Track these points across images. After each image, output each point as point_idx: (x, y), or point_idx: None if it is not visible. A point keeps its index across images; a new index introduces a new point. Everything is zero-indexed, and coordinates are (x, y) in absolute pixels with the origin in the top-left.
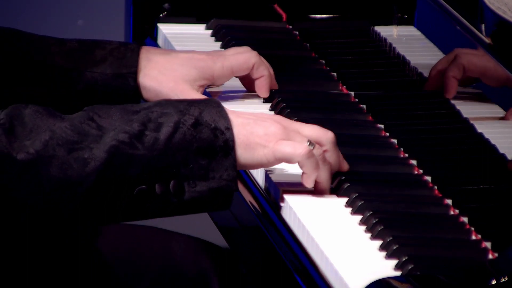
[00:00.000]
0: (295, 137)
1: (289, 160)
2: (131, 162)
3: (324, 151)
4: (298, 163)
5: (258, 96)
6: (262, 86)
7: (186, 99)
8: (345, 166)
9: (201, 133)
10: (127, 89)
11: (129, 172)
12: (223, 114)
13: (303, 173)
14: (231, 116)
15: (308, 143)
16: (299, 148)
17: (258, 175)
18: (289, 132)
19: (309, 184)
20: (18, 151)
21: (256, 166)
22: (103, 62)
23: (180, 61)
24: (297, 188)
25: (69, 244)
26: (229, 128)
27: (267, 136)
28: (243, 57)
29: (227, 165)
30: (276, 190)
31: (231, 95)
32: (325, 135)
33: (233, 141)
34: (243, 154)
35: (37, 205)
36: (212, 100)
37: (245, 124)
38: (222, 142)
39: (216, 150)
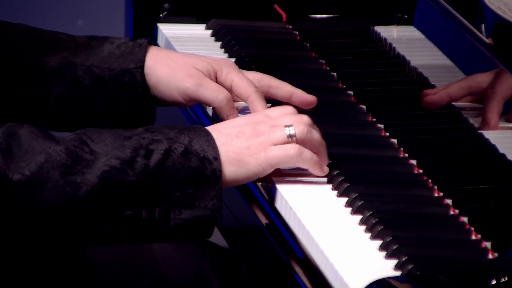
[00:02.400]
0: (275, 133)
1: (285, 164)
2: (121, 188)
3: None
4: (296, 164)
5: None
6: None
7: (175, 126)
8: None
9: (190, 161)
10: (135, 85)
11: (119, 197)
12: (212, 144)
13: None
14: (215, 135)
15: (287, 128)
16: (290, 149)
17: None
18: (269, 134)
19: (319, 172)
20: (14, 172)
21: (253, 178)
22: (110, 56)
23: (188, 56)
24: (297, 188)
25: (67, 246)
26: (217, 158)
27: (253, 148)
28: (258, 74)
29: (212, 195)
30: (276, 189)
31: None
32: (299, 117)
33: (220, 171)
34: (238, 170)
35: (28, 225)
36: (201, 128)
37: (229, 141)
38: (209, 171)
39: (203, 179)
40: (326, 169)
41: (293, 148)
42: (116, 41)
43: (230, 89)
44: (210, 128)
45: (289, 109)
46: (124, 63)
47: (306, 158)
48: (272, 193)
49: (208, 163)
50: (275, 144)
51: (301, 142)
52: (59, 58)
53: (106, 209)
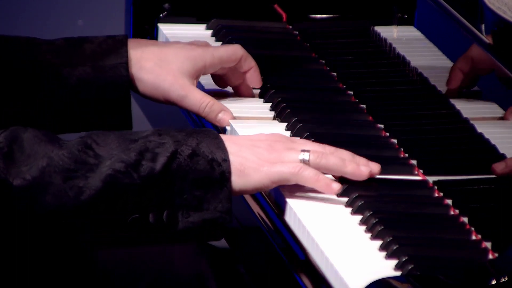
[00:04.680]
0: (289, 154)
1: (286, 182)
2: (126, 191)
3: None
4: (298, 182)
5: (259, 97)
6: (255, 77)
7: (185, 129)
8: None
9: (197, 164)
10: (120, 81)
11: (124, 201)
12: (221, 146)
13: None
14: (227, 144)
15: (303, 153)
16: (294, 168)
17: None
18: (282, 152)
19: (326, 189)
20: (14, 177)
21: (252, 191)
22: (93, 56)
23: (173, 51)
24: (297, 188)
25: (66, 246)
26: (226, 160)
27: (260, 161)
28: (232, 48)
29: (222, 197)
30: (276, 191)
31: (232, 96)
32: (321, 147)
33: (229, 172)
34: (237, 181)
35: (31, 230)
36: (211, 131)
37: (240, 152)
38: (218, 174)
39: (212, 181)
40: (336, 186)
41: (297, 166)
42: (95, 40)
43: (222, 64)
44: (224, 137)
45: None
46: (108, 61)
47: (307, 177)
48: (271, 192)
49: (216, 165)
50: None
51: (316, 168)
52: (41, 61)
53: (111, 212)
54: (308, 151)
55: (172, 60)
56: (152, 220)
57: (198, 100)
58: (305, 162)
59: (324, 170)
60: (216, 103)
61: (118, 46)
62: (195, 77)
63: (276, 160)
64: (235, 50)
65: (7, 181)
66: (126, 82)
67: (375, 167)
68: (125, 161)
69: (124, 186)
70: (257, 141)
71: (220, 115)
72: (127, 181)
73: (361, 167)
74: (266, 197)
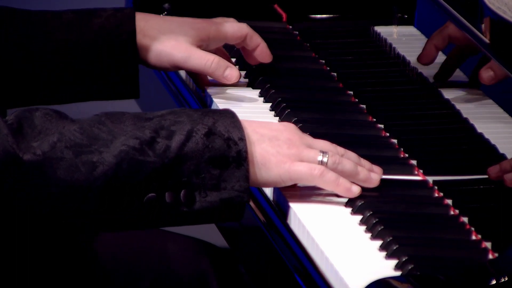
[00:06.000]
0: (308, 153)
1: (306, 182)
2: (141, 169)
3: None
4: (318, 185)
5: (258, 97)
6: (264, 52)
7: (201, 109)
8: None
9: (213, 142)
10: (127, 55)
11: (139, 179)
12: (237, 125)
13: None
14: (248, 130)
15: (321, 154)
16: (315, 169)
17: None
18: (302, 150)
19: (347, 193)
20: (25, 151)
21: (271, 185)
22: (101, 30)
23: (177, 22)
24: (297, 188)
25: (67, 245)
26: (242, 139)
27: (281, 156)
28: (237, 25)
29: (239, 176)
30: (277, 191)
31: (232, 94)
32: (335, 148)
33: (246, 152)
34: (258, 172)
35: (44, 208)
36: (227, 110)
37: (260, 142)
38: (235, 152)
39: (229, 160)
40: (356, 189)
41: (317, 168)
42: (103, 14)
43: (226, 40)
44: (247, 122)
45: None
46: (116, 36)
47: (329, 181)
48: (272, 194)
49: (233, 143)
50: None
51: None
52: (49, 38)
53: (127, 190)
54: (326, 153)
55: (176, 28)
56: (169, 200)
57: (202, 58)
58: (322, 163)
59: (339, 174)
60: (222, 60)
61: (126, 21)
62: (200, 46)
63: (296, 157)
64: (241, 27)
65: (18, 156)
66: (131, 52)
67: (378, 170)
68: (140, 137)
69: (138, 163)
70: (276, 132)
71: (228, 71)
72: (141, 158)
73: (372, 175)
74: (266, 197)
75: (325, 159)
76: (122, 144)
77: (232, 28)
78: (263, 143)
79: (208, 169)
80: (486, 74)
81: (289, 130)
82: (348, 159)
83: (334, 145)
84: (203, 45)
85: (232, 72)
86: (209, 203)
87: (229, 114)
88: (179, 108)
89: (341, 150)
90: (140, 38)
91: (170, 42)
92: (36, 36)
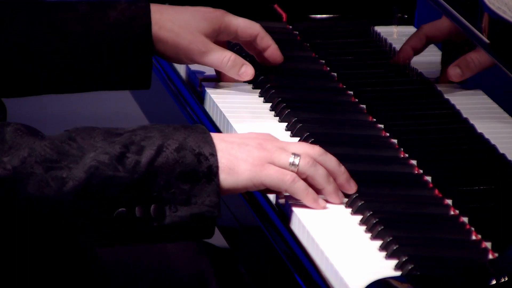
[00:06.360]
0: (279, 155)
1: (277, 188)
2: (111, 184)
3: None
4: (287, 191)
5: (258, 97)
6: (275, 54)
7: (172, 124)
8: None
9: (184, 157)
10: (142, 48)
11: (109, 194)
12: (209, 140)
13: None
14: (216, 141)
15: (293, 156)
16: (286, 175)
17: None
18: (273, 152)
19: (314, 204)
20: None
21: (241, 190)
22: (117, 23)
23: (190, 13)
24: None
25: (67, 246)
26: (213, 154)
27: (252, 159)
28: (250, 22)
29: (209, 191)
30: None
31: (232, 95)
32: (311, 149)
33: (217, 167)
34: (226, 178)
35: (12, 223)
36: (199, 126)
37: (229, 149)
38: (205, 168)
39: (199, 175)
40: (322, 203)
41: (289, 175)
42: (118, 6)
43: (237, 34)
44: (213, 134)
45: (306, 145)
46: (131, 29)
47: (299, 189)
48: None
49: (204, 159)
50: (275, 165)
51: (301, 174)
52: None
53: (97, 206)
54: (299, 155)
55: (190, 20)
56: (139, 215)
57: (220, 55)
58: (294, 166)
59: (309, 179)
60: (238, 57)
61: (141, 14)
62: (213, 37)
63: (266, 159)
64: (253, 25)
65: None
66: (146, 44)
67: (353, 186)
68: (109, 152)
69: (108, 178)
70: (246, 139)
71: (243, 69)
72: (111, 173)
73: (339, 193)
74: (266, 198)
75: (296, 161)
76: (92, 160)
77: (244, 23)
78: (232, 149)
79: (178, 184)
80: (454, 71)
81: (262, 136)
82: (326, 162)
83: (313, 146)
84: (215, 35)
85: (247, 70)
86: (179, 218)
87: (200, 130)
88: (150, 124)
89: (318, 151)
90: (156, 30)
91: (187, 36)
92: (48, 29)
